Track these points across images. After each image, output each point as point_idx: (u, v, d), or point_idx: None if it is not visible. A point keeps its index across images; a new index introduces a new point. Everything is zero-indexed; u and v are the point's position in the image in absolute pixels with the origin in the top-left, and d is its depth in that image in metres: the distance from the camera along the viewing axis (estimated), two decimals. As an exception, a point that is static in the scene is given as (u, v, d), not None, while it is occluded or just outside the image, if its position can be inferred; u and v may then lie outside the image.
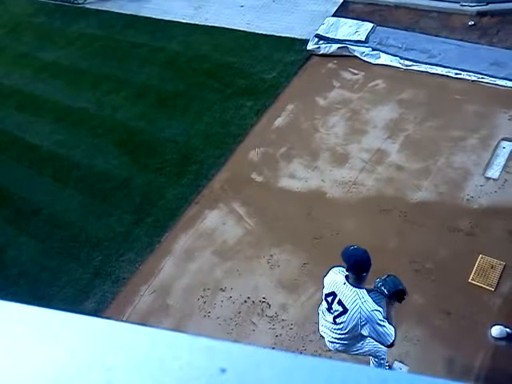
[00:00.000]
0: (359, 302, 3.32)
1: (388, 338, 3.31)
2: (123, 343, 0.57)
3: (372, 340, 3.47)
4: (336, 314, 3.46)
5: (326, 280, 3.57)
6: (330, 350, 3.93)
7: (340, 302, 3.40)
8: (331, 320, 3.52)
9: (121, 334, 0.59)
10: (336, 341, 3.63)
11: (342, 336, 3.53)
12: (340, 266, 3.51)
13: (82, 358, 0.57)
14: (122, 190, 6.66)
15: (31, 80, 9.08)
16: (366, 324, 3.31)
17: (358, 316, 3.32)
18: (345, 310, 3.37)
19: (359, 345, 3.62)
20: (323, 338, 3.82)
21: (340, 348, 3.70)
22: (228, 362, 0.54)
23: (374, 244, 5.31)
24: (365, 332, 3.35)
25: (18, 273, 6.06)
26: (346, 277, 3.44)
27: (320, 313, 3.75)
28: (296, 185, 6.11)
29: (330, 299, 3.49)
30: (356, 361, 3.97)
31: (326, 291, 3.54)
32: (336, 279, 3.48)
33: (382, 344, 3.40)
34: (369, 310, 3.29)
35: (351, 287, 3.36)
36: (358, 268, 3.36)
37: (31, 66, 9.46)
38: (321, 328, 3.79)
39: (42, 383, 0.56)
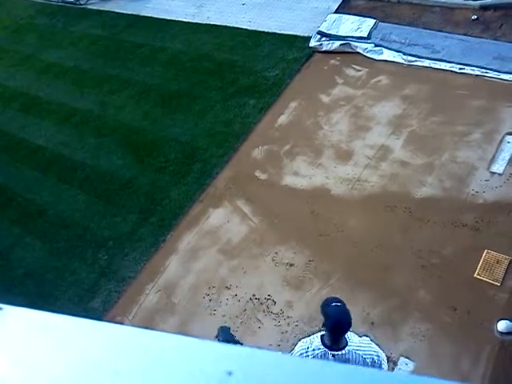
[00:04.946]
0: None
1: None
2: (131, 347, 0.58)
3: None
4: None
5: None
6: None
7: None
8: None
9: (129, 338, 0.59)
10: None
11: None
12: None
13: (90, 363, 0.58)
14: (126, 189, 6.68)
15: (35, 81, 9.11)
16: None
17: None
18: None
19: None
20: None
21: None
22: (235, 365, 0.55)
23: (379, 240, 5.32)
24: None
25: (24, 273, 6.09)
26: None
27: None
28: (300, 182, 6.11)
29: None
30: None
31: None
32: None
33: None
34: None
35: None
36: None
37: (34, 67, 9.49)
38: None
39: (52, 387, 0.57)
